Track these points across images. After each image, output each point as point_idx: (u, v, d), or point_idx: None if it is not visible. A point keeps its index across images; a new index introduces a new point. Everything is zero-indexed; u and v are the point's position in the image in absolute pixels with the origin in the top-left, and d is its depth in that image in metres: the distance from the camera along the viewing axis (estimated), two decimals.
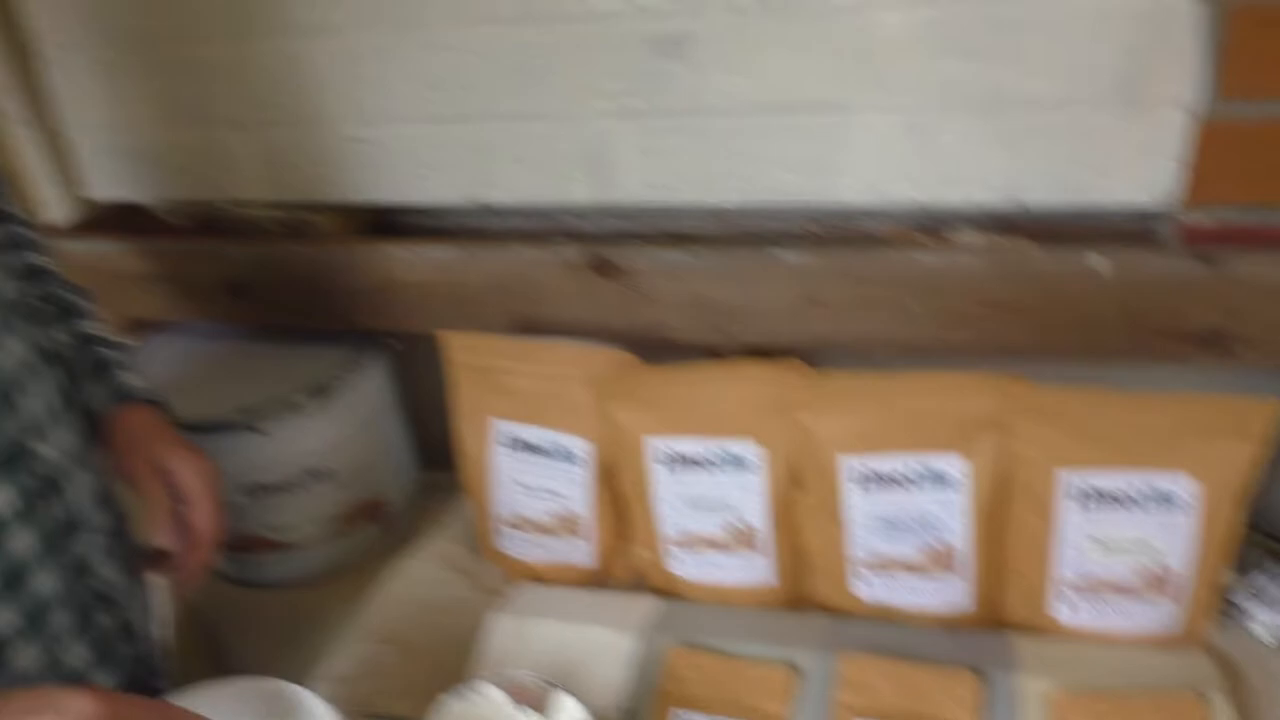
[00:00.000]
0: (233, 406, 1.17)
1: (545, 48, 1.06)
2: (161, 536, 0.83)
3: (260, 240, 1.26)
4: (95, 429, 0.85)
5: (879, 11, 0.95)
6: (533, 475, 1.11)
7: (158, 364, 1.30)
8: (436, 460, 1.30)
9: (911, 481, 0.95)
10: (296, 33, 1.13)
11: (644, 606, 1.05)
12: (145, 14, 1.18)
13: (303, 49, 1.14)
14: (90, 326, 0.93)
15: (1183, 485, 0.88)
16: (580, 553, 1.12)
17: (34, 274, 0.89)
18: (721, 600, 1.07)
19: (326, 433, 1.21)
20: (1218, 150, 0.92)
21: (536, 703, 0.84)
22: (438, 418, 1.16)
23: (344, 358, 1.24)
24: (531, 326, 1.16)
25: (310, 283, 1.23)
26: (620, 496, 1.08)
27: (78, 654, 0.76)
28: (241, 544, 1.23)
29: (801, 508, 1.01)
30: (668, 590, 1.09)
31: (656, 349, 1.06)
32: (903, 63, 0.97)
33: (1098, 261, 0.96)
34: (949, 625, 0.99)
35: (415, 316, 1.21)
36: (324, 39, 1.13)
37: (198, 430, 1.08)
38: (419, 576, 1.16)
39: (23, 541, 0.71)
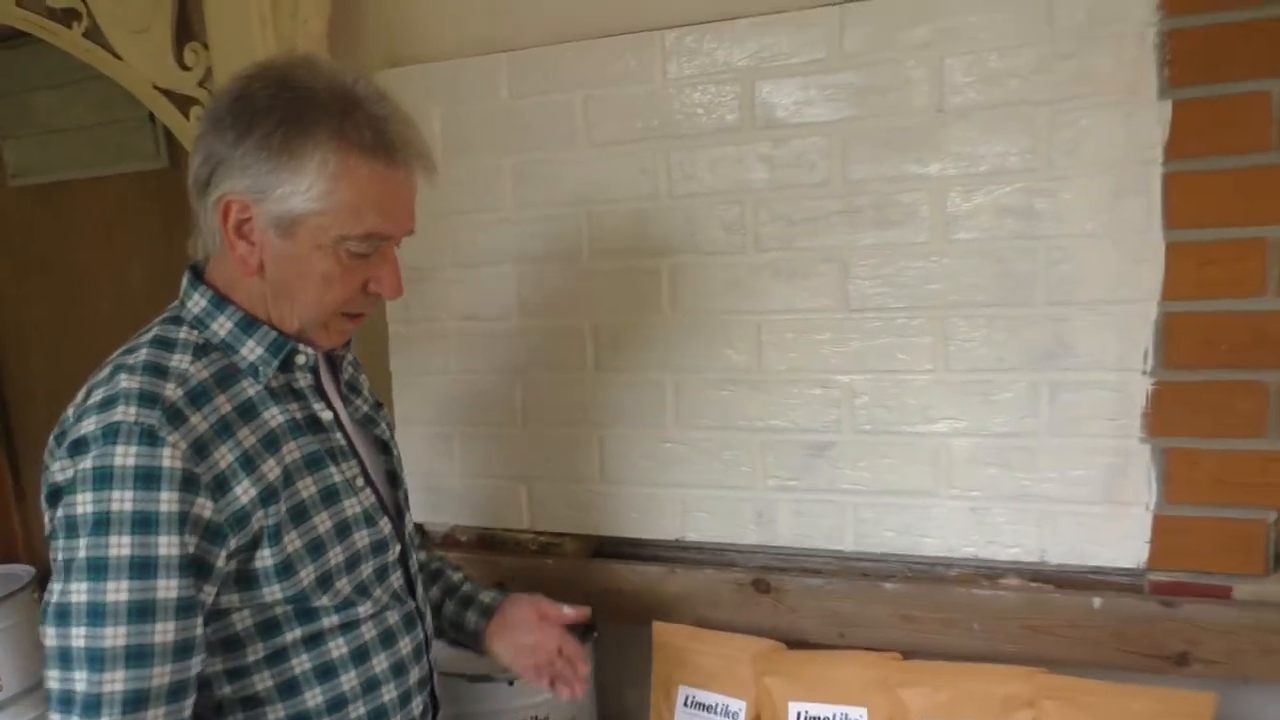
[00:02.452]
0: (493, 667, 1.69)
1: (737, 444, 1.69)
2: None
3: (521, 555, 1.85)
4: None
5: (949, 438, 1.57)
6: None
7: None
8: None
9: None
10: (573, 424, 1.80)
11: None
12: (478, 408, 1.87)
13: (575, 435, 1.80)
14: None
15: None
16: None
17: None
18: None
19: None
20: (1169, 534, 1.46)
21: None
22: (613, 686, 1.66)
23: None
24: (709, 625, 1.68)
25: (554, 587, 1.78)
26: None
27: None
28: None
29: None
30: None
31: (796, 643, 1.58)
32: (964, 469, 1.56)
33: (1097, 603, 1.47)
34: None
35: (626, 614, 1.75)
36: (593, 430, 1.79)
37: (471, 679, 1.61)
38: None
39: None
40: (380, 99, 1.08)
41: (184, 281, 1.14)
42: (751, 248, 1.65)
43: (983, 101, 1.49)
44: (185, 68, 1.91)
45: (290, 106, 1.03)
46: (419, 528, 1.77)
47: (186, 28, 1.91)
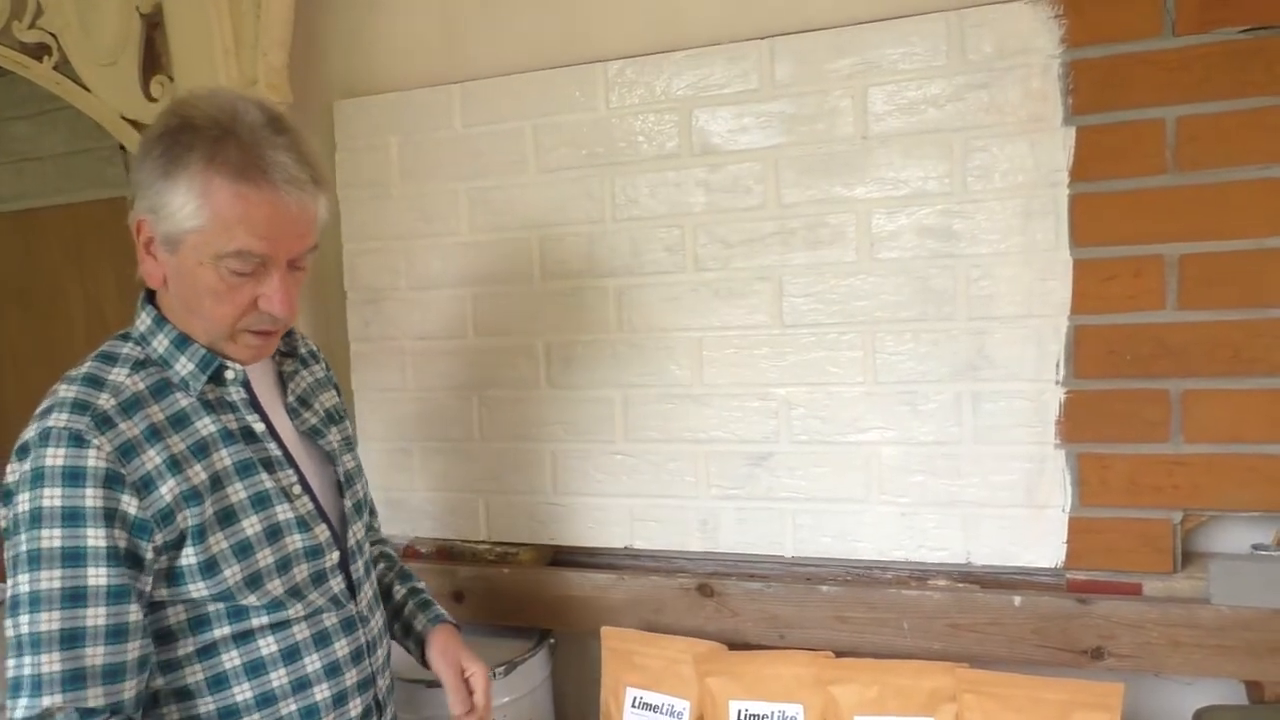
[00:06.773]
0: None
1: (681, 456, 1.77)
2: (458, 707, 1.40)
3: (479, 565, 1.92)
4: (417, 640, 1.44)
5: (879, 446, 1.65)
6: None
7: None
8: None
9: None
10: (527, 439, 1.88)
11: None
12: (436, 423, 1.95)
13: (529, 449, 1.88)
14: (414, 578, 1.55)
15: None
16: None
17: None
18: None
19: (508, 694, 1.77)
20: (1084, 534, 1.54)
21: None
22: (569, 689, 1.75)
23: (525, 645, 1.84)
24: (655, 628, 1.75)
25: (509, 595, 1.87)
26: None
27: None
28: None
29: None
30: None
31: (738, 644, 1.65)
32: (894, 476, 1.64)
33: (1018, 601, 1.56)
34: None
35: (578, 620, 1.82)
36: (546, 444, 1.87)
37: (429, 685, 1.68)
38: None
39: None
40: (262, 127, 1.15)
41: (138, 302, 1.24)
42: (692, 268, 1.74)
43: (903, 129, 1.58)
44: (152, 99, 1.98)
45: (174, 134, 1.14)
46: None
47: (153, 61, 1.98)
